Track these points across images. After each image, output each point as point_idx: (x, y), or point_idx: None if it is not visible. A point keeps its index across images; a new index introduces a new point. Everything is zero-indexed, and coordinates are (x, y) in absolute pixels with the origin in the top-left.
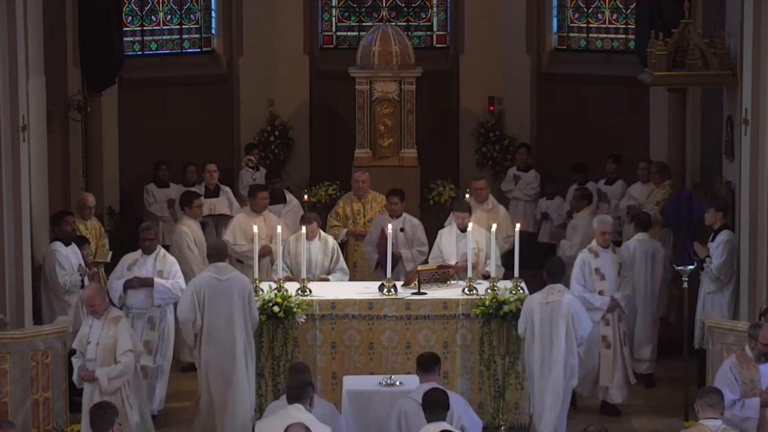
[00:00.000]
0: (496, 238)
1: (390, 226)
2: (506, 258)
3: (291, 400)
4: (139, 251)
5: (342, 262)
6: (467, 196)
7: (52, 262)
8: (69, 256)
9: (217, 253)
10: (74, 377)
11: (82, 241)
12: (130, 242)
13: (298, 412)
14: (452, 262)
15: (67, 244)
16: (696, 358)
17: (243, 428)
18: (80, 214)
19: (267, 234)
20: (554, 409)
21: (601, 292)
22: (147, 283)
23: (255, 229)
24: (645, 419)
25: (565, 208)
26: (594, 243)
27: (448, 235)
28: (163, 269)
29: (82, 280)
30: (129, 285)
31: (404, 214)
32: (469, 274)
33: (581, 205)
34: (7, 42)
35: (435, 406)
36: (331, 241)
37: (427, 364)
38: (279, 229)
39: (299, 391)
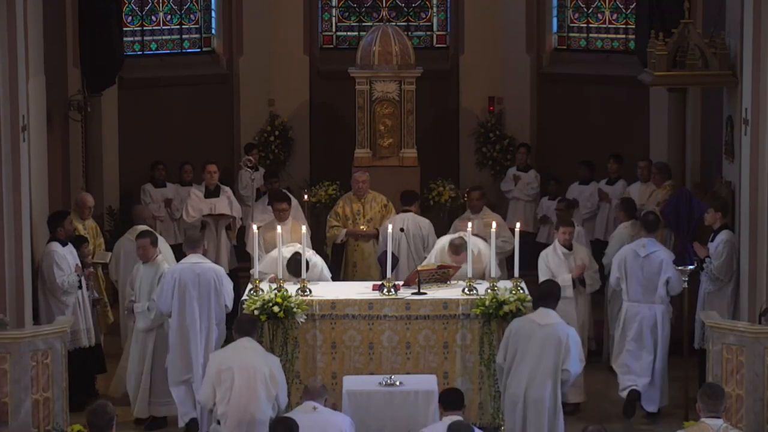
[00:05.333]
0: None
1: (390, 227)
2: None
3: (241, 334)
4: None
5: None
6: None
7: (49, 263)
8: (66, 256)
9: (136, 218)
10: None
11: (82, 241)
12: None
13: (249, 343)
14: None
15: (63, 245)
16: (696, 358)
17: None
18: (79, 214)
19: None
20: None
21: None
22: None
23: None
24: (645, 419)
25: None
26: None
27: (553, 256)
28: None
29: (80, 281)
30: None
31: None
32: (470, 273)
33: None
34: (7, 42)
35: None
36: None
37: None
38: (279, 229)
39: (249, 324)
